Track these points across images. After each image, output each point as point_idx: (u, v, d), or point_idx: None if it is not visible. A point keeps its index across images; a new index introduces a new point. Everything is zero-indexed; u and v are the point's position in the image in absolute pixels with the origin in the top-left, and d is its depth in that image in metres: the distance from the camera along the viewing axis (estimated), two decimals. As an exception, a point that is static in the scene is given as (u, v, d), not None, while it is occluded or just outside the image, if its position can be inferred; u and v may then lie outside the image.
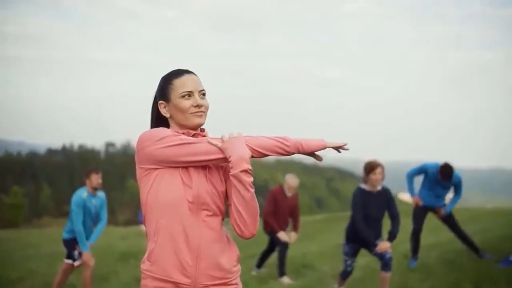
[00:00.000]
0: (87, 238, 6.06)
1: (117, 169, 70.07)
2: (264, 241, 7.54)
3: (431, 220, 7.40)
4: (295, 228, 7.37)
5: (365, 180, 5.40)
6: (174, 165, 2.04)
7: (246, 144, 2.05)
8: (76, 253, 6.03)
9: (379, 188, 5.41)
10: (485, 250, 6.91)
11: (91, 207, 6.04)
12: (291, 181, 7.26)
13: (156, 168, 2.05)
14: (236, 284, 2.15)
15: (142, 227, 8.10)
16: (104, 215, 6.24)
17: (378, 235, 5.40)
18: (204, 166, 2.09)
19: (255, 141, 2.08)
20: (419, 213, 6.99)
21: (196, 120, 2.12)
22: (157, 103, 2.19)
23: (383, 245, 5.26)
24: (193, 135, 2.13)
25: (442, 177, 6.63)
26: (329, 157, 2.17)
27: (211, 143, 2.04)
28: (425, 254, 7.33)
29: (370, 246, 5.36)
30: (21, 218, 48.05)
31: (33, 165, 70.91)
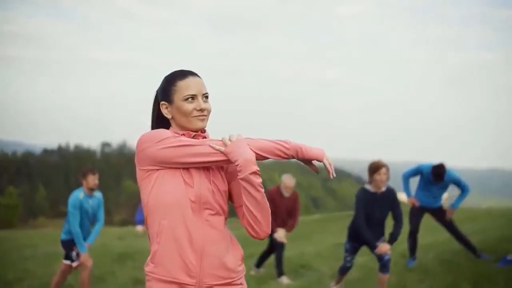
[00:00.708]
0: (85, 239, 6.04)
1: (113, 169, 69.84)
2: (262, 241, 7.51)
3: (428, 220, 7.42)
4: (288, 227, 7.26)
5: (370, 180, 5.34)
6: (175, 166, 2.03)
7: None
8: (74, 254, 6.01)
9: (383, 189, 5.37)
10: (484, 251, 6.92)
11: (88, 208, 6.02)
12: (287, 181, 7.24)
13: (157, 169, 2.04)
14: (241, 284, 2.14)
15: (138, 227, 8.07)
16: (101, 215, 6.21)
17: (380, 236, 5.39)
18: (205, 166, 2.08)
19: (255, 143, 2.07)
20: (416, 214, 7.02)
21: (198, 124, 2.11)
22: (159, 103, 2.18)
23: (383, 247, 5.25)
24: (194, 137, 2.12)
25: (434, 177, 6.68)
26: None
27: (214, 148, 2.03)
28: (423, 254, 7.34)
29: (371, 247, 5.37)
30: (17, 219, 47.88)
31: (28, 165, 70.67)
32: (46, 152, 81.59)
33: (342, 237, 6.76)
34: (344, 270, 5.81)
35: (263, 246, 7.64)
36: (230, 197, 2.17)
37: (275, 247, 7.26)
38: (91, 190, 6.04)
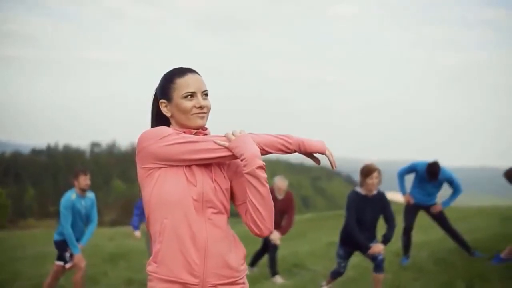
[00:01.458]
0: (78, 240, 5.98)
1: (102, 169, 69.56)
2: (256, 240, 7.48)
3: (421, 218, 7.43)
4: (282, 229, 7.13)
5: (361, 183, 5.32)
6: (178, 163, 2.01)
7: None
8: (67, 255, 5.95)
9: (374, 192, 5.36)
10: (479, 249, 6.94)
11: (81, 209, 5.95)
12: (280, 183, 7.17)
13: (159, 167, 2.01)
14: (243, 283, 2.12)
15: (136, 233, 7.98)
16: (95, 216, 6.16)
17: (372, 239, 5.37)
18: (207, 164, 2.06)
19: (259, 138, 2.06)
20: (410, 211, 7.05)
21: (197, 122, 2.09)
22: (158, 101, 2.15)
23: (376, 248, 5.23)
24: (195, 134, 2.09)
25: (428, 175, 6.71)
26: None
27: (217, 143, 2.01)
28: (417, 252, 7.35)
29: (363, 250, 5.34)
30: (6, 220, 47.48)
31: (16, 165, 70.10)
32: (34, 152, 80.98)
33: (335, 236, 6.74)
34: (336, 275, 5.76)
35: (256, 245, 7.60)
36: (231, 195, 2.14)
37: (269, 247, 7.22)
38: (83, 190, 5.98)
